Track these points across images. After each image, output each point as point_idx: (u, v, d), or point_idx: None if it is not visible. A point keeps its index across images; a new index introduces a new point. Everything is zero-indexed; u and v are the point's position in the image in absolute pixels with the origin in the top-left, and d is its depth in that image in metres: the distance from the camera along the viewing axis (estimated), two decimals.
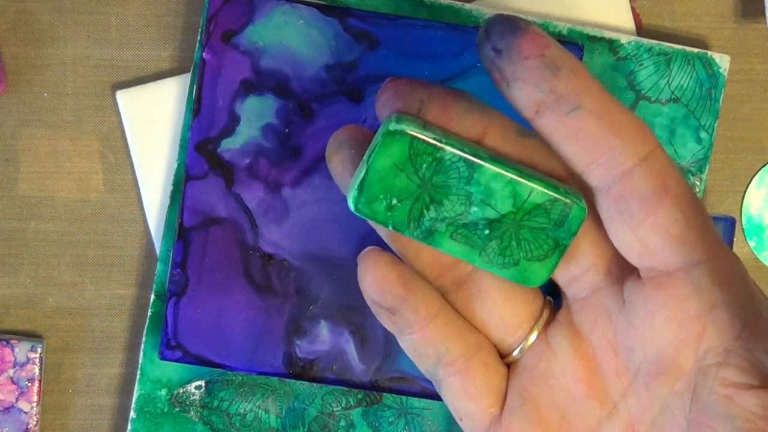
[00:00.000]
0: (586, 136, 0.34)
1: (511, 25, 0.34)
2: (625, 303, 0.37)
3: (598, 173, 0.35)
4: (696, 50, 0.53)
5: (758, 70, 0.55)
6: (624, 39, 0.53)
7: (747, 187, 0.55)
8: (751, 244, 0.55)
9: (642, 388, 0.36)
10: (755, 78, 0.55)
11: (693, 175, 0.54)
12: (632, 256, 0.35)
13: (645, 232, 0.35)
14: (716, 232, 0.36)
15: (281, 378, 0.52)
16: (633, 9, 0.55)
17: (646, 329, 0.35)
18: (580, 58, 0.52)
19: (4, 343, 0.52)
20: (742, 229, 0.55)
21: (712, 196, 0.55)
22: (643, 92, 0.53)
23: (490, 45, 0.35)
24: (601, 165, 0.35)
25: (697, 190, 0.54)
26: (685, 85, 0.53)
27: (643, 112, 0.54)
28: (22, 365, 0.52)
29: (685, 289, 0.35)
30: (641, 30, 0.55)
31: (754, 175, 0.55)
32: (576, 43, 0.52)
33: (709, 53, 0.53)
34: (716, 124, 0.54)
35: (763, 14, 0.55)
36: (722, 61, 0.53)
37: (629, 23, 0.54)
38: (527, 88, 0.34)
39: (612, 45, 0.53)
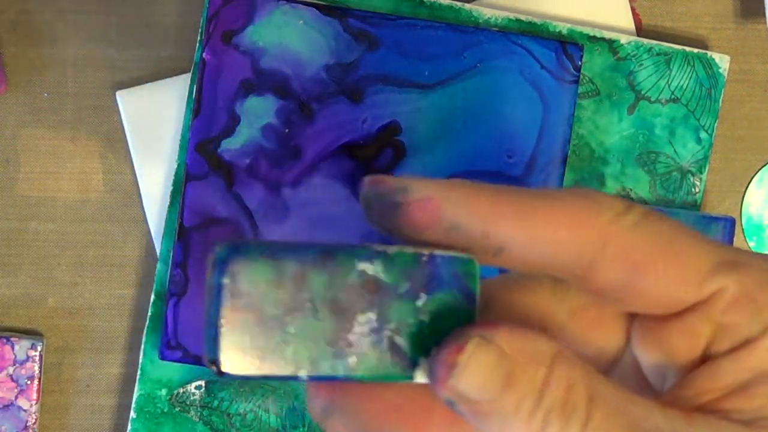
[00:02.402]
0: (529, 267, 0.31)
1: (388, 202, 0.30)
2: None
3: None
4: (696, 50, 0.53)
5: (758, 70, 0.55)
6: (624, 39, 0.53)
7: (747, 187, 0.55)
8: (751, 244, 0.55)
9: None
10: (755, 78, 0.55)
11: (693, 175, 0.54)
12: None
13: (637, 310, 0.33)
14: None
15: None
16: (633, 9, 0.55)
17: None
18: (580, 58, 0.52)
19: (5, 340, 0.52)
20: (742, 229, 0.55)
21: (712, 196, 0.55)
22: (643, 92, 0.53)
23: (379, 225, 0.30)
24: (563, 274, 0.31)
25: (697, 190, 0.54)
26: (685, 85, 0.53)
27: (642, 112, 0.54)
28: (22, 363, 0.52)
29: None
30: (641, 30, 0.55)
31: (754, 175, 0.55)
32: (576, 43, 0.52)
33: (709, 53, 0.53)
34: (716, 124, 0.54)
35: (763, 14, 0.55)
36: (722, 61, 0.53)
37: (629, 23, 0.54)
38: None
39: (612, 45, 0.53)
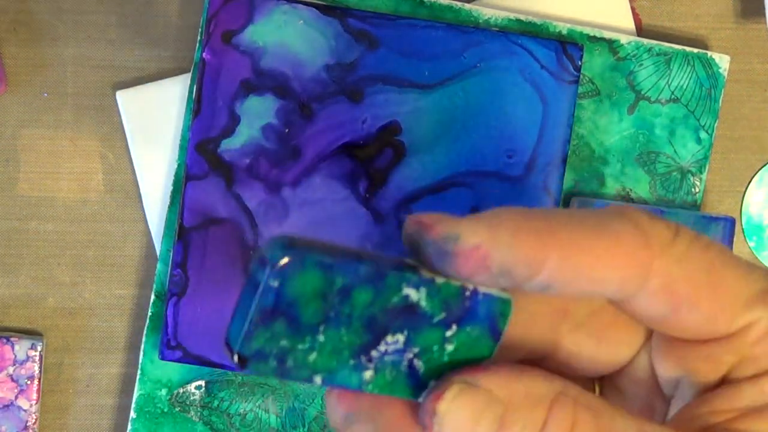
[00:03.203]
0: (572, 296, 0.31)
1: (437, 249, 0.29)
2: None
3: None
4: (696, 50, 0.53)
5: (758, 70, 0.55)
6: (624, 39, 0.53)
7: (747, 187, 0.55)
8: (751, 244, 0.55)
9: None
10: (755, 78, 0.55)
11: (693, 175, 0.54)
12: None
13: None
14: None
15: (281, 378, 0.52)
16: (633, 9, 0.55)
17: None
18: (580, 58, 0.52)
19: (4, 340, 0.52)
20: (742, 229, 0.55)
21: (712, 196, 0.55)
22: (643, 92, 0.53)
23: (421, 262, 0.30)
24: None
25: (697, 190, 0.54)
26: (685, 85, 0.53)
27: (642, 112, 0.54)
28: (22, 363, 0.52)
29: None
30: (641, 30, 0.55)
31: (754, 175, 0.55)
32: (576, 43, 0.52)
33: (709, 53, 0.53)
34: (716, 124, 0.54)
35: (763, 14, 0.55)
36: (722, 61, 0.53)
37: (629, 23, 0.54)
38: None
39: (612, 45, 0.53)
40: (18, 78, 0.53)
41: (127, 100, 0.53)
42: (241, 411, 0.53)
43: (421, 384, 0.30)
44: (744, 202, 0.55)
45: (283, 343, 0.29)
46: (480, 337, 0.31)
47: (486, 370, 0.30)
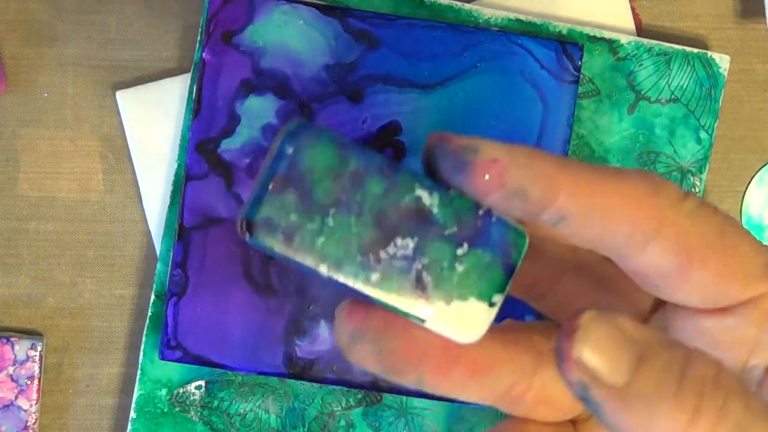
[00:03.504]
0: (584, 240, 0.31)
1: (456, 160, 0.30)
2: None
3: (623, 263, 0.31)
4: (696, 50, 0.53)
5: (758, 70, 0.55)
6: (624, 39, 0.53)
7: (747, 187, 0.55)
8: None
9: None
10: (755, 78, 0.55)
11: (693, 175, 0.54)
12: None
13: (675, 301, 0.32)
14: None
15: (281, 378, 0.52)
16: (633, 9, 0.55)
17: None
18: (580, 58, 0.52)
19: (4, 340, 0.52)
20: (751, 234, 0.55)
21: (712, 196, 0.55)
22: (643, 92, 0.53)
23: (445, 179, 0.30)
24: (610, 253, 0.31)
25: (697, 190, 0.54)
26: (685, 85, 0.53)
27: (642, 112, 0.54)
28: (22, 363, 0.52)
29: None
30: (641, 30, 0.55)
31: (754, 175, 0.55)
32: (576, 43, 0.52)
33: (709, 53, 0.53)
34: (716, 124, 0.54)
35: (763, 14, 0.55)
36: (722, 61, 0.53)
37: (629, 23, 0.54)
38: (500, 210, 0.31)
39: (612, 45, 0.53)
40: (18, 78, 0.53)
41: (127, 100, 0.53)
42: (241, 411, 0.53)
43: (427, 303, 0.30)
44: (744, 202, 0.55)
45: (293, 217, 0.29)
46: (491, 266, 0.30)
47: (613, 312, 0.29)
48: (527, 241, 0.31)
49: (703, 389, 0.28)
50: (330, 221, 0.29)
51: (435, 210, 0.30)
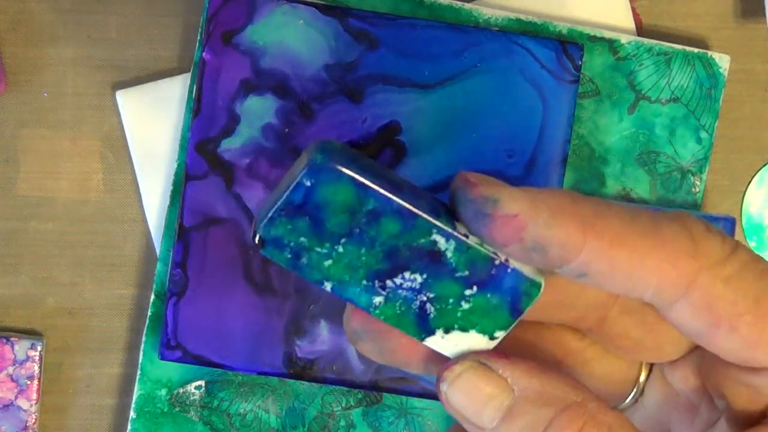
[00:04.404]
0: (603, 290, 0.30)
1: (475, 209, 0.29)
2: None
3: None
4: (696, 50, 0.53)
5: (758, 70, 0.55)
6: (624, 39, 0.53)
7: (747, 187, 0.55)
8: (752, 244, 0.55)
9: None
10: (755, 78, 0.55)
11: (693, 175, 0.54)
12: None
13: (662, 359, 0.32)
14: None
15: (281, 378, 0.52)
16: (633, 9, 0.55)
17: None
18: (580, 58, 0.52)
19: (4, 340, 0.52)
20: (742, 229, 0.55)
21: (712, 196, 0.55)
22: (643, 92, 0.53)
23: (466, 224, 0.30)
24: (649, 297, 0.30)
25: (697, 190, 0.54)
26: (685, 85, 0.53)
27: (643, 112, 0.54)
28: (22, 363, 0.52)
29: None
30: (641, 30, 0.55)
31: (754, 175, 0.55)
32: (576, 42, 0.52)
33: (709, 53, 0.53)
34: (716, 124, 0.54)
35: (763, 14, 0.55)
36: (722, 61, 0.53)
37: (629, 23, 0.54)
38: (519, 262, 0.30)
39: (612, 45, 0.53)
40: (18, 78, 0.53)
41: (127, 100, 0.53)
42: (241, 411, 0.53)
43: (428, 328, 0.31)
44: (744, 201, 0.55)
45: (302, 240, 0.30)
46: (498, 308, 0.31)
47: (507, 358, 0.30)
48: (541, 291, 0.31)
49: None
50: (340, 248, 0.30)
51: (449, 255, 0.30)
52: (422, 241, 0.30)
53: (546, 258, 0.29)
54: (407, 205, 0.30)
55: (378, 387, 0.52)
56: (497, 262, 0.30)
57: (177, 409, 0.53)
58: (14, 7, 0.53)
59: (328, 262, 0.30)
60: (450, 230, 0.30)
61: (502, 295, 0.30)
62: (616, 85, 0.53)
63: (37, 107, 0.53)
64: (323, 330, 0.52)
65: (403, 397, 0.53)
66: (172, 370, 0.53)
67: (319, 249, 0.30)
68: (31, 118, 0.53)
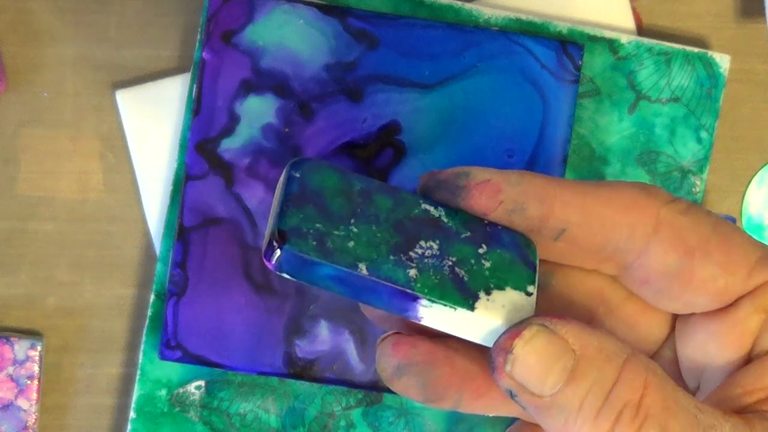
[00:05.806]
0: (589, 251, 0.32)
1: (450, 187, 0.31)
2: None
3: (616, 268, 0.33)
4: (696, 50, 0.53)
5: (758, 70, 0.55)
6: (624, 39, 0.53)
7: (747, 187, 0.55)
8: None
9: None
10: (755, 78, 0.55)
11: (693, 175, 0.54)
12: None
13: (682, 307, 0.33)
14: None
15: (281, 378, 0.52)
16: (633, 9, 0.55)
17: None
18: (580, 58, 0.52)
19: (4, 340, 0.52)
20: (743, 229, 0.55)
21: (712, 196, 0.55)
22: (643, 92, 0.53)
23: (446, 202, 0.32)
24: (615, 262, 0.32)
25: (698, 190, 0.54)
26: (685, 85, 0.53)
27: (643, 112, 0.54)
28: (22, 363, 0.52)
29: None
30: (641, 30, 0.55)
31: (755, 175, 0.55)
32: (576, 42, 0.52)
33: (710, 53, 0.53)
34: (716, 124, 0.54)
35: (763, 14, 0.55)
36: (722, 61, 0.53)
37: (629, 23, 0.54)
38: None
39: (612, 45, 0.53)
40: (18, 78, 0.53)
41: (127, 99, 0.53)
42: (241, 411, 0.53)
43: (470, 292, 0.31)
44: (744, 201, 0.55)
45: (318, 225, 0.30)
46: (514, 263, 0.31)
47: (562, 318, 0.30)
48: (535, 245, 0.32)
49: (621, 415, 0.29)
50: (354, 228, 0.31)
51: (445, 220, 0.31)
52: (416, 211, 0.31)
53: (527, 217, 0.31)
54: (387, 184, 0.31)
55: (378, 387, 0.52)
56: (486, 221, 0.32)
57: (177, 409, 0.53)
58: (14, 6, 0.53)
59: (350, 243, 0.30)
60: (433, 200, 0.32)
61: (509, 249, 0.31)
62: (616, 84, 0.53)
63: (37, 107, 0.53)
64: (323, 330, 0.52)
65: (404, 397, 0.53)
66: (172, 370, 0.53)
67: (336, 232, 0.30)
68: (31, 118, 0.53)
